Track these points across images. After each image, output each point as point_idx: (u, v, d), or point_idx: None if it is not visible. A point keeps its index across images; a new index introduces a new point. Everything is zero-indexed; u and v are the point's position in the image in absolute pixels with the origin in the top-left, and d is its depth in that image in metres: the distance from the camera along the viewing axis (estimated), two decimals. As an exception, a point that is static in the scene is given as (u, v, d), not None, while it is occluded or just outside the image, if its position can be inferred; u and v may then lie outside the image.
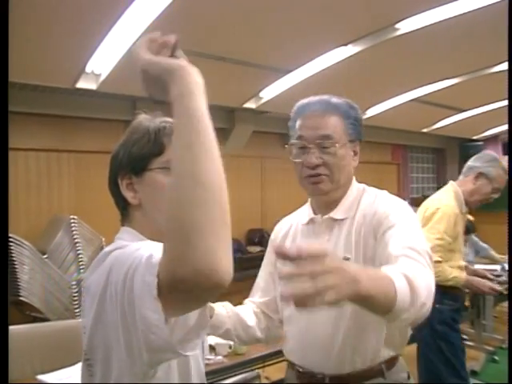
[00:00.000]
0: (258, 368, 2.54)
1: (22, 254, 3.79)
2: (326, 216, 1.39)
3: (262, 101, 5.49)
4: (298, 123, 1.38)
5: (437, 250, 2.29)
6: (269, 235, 1.67)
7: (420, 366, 2.55)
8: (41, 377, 2.02)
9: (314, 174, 1.33)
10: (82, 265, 4.29)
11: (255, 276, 1.63)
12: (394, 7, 3.57)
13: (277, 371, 2.37)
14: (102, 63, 3.92)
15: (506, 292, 3.18)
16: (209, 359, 2.18)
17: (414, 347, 3.80)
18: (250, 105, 5.58)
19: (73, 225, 4.29)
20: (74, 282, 4.18)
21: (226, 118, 6.05)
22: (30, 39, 3.26)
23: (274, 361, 2.42)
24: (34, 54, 3.57)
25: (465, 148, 9.65)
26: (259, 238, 6.52)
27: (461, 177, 2.59)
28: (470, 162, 2.57)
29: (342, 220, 1.36)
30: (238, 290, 1.86)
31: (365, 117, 6.77)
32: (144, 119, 0.98)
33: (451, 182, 2.59)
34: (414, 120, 7.48)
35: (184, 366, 0.88)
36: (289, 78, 4.90)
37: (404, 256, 1.14)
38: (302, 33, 3.85)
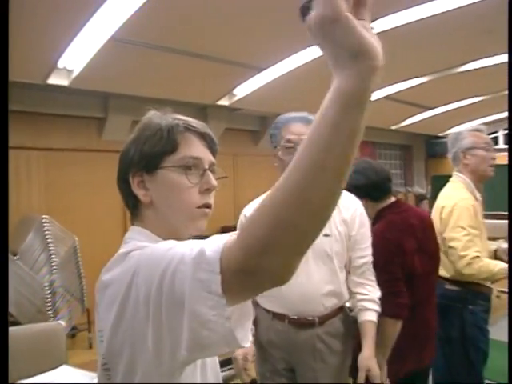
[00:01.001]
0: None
1: (-8, 256, 3.67)
2: None
3: (236, 98, 5.49)
4: (284, 131, 1.76)
5: (469, 246, 2.19)
6: None
7: (436, 363, 2.28)
8: (23, 382, 1.96)
9: None
10: (55, 265, 4.19)
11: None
12: (371, 6, 3.62)
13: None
14: (74, 59, 3.83)
15: None
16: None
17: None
18: (224, 102, 5.57)
19: (45, 224, 4.17)
20: (46, 284, 4.08)
21: (199, 115, 5.97)
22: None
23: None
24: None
25: (431, 145, 9.93)
26: (233, 235, 6.51)
27: (455, 168, 2.51)
28: (450, 153, 2.52)
29: None
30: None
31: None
32: (154, 116, 0.95)
33: (455, 174, 2.50)
34: (383, 117, 7.62)
35: (202, 364, 0.88)
36: (263, 76, 4.91)
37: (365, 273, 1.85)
38: (277, 31, 3.85)
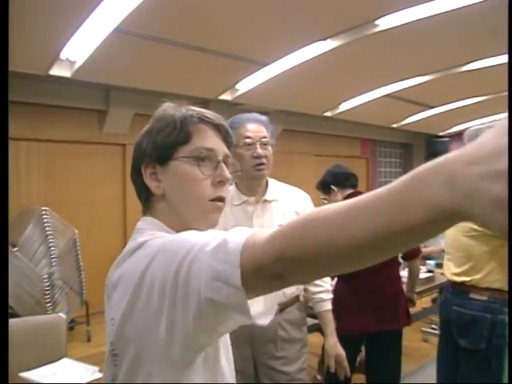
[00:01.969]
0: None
1: (-9, 247, 3.65)
2: (263, 198, 1.90)
3: (238, 93, 5.46)
4: (241, 130, 1.86)
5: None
6: None
7: (462, 374, 2.24)
8: (25, 374, 1.95)
9: (260, 163, 1.83)
10: (54, 258, 4.18)
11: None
12: (376, 3, 3.61)
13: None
14: (77, 50, 3.80)
15: None
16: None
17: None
18: (226, 97, 5.55)
19: (44, 216, 4.16)
20: (45, 276, 4.07)
21: (200, 110, 5.99)
22: None
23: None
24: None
25: (431, 144, 9.92)
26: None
27: None
28: None
29: (272, 201, 1.91)
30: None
31: (337, 111, 6.86)
32: (168, 107, 0.93)
33: None
34: (384, 115, 7.63)
35: (215, 351, 0.86)
36: (266, 71, 4.89)
37: None
38: (282, 26, 3.84)
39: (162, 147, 0.89)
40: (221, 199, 0.91)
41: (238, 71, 4.91)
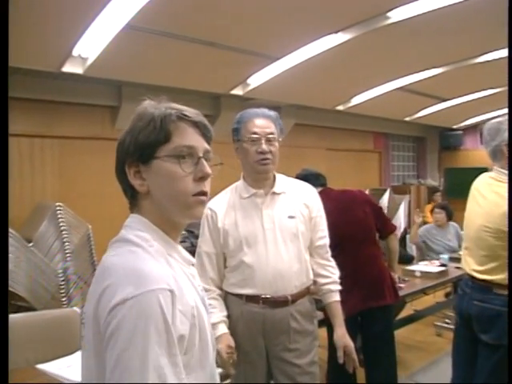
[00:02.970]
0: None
1: (7, 242, 3.71)
2: (271, 190, 1.95)
3: (250, 87, 5.46)
4: (248, 125, 1.90)
5: None
6: None
7: (465, 362, 2.22)
8: (41, 366, 1.99)
9: (264, 158, 1.88)
10: (68, 253, 4.23)
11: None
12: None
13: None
14: (89, 47, 3.83)
15: None
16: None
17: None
18: (237, 91, 5.54)
19: (58, 212, 4.20)
20: (60, 271, 4.12)
21: (212, 105, 6.00)
22: (12, 18, 3.14)
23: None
24: (18, 35, 3.44)
25: (445, 137, 9.82)
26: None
27: (496, 164, 2.17)
28: (488, 146, 2.18)
29: (280, 194, 1.97)
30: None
31: (349, 105, 6.81)
32: (149, 105, 0.97)
33: (497, 170, 2.16)
34: (396, 109, 7.56)
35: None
36: (277, 65, 4.87)
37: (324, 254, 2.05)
38: (293, 20, 3.82)
39: (144, 147, 0.93)
40: (203, 193, 0.96)
41: (250, 66, 4.90)
